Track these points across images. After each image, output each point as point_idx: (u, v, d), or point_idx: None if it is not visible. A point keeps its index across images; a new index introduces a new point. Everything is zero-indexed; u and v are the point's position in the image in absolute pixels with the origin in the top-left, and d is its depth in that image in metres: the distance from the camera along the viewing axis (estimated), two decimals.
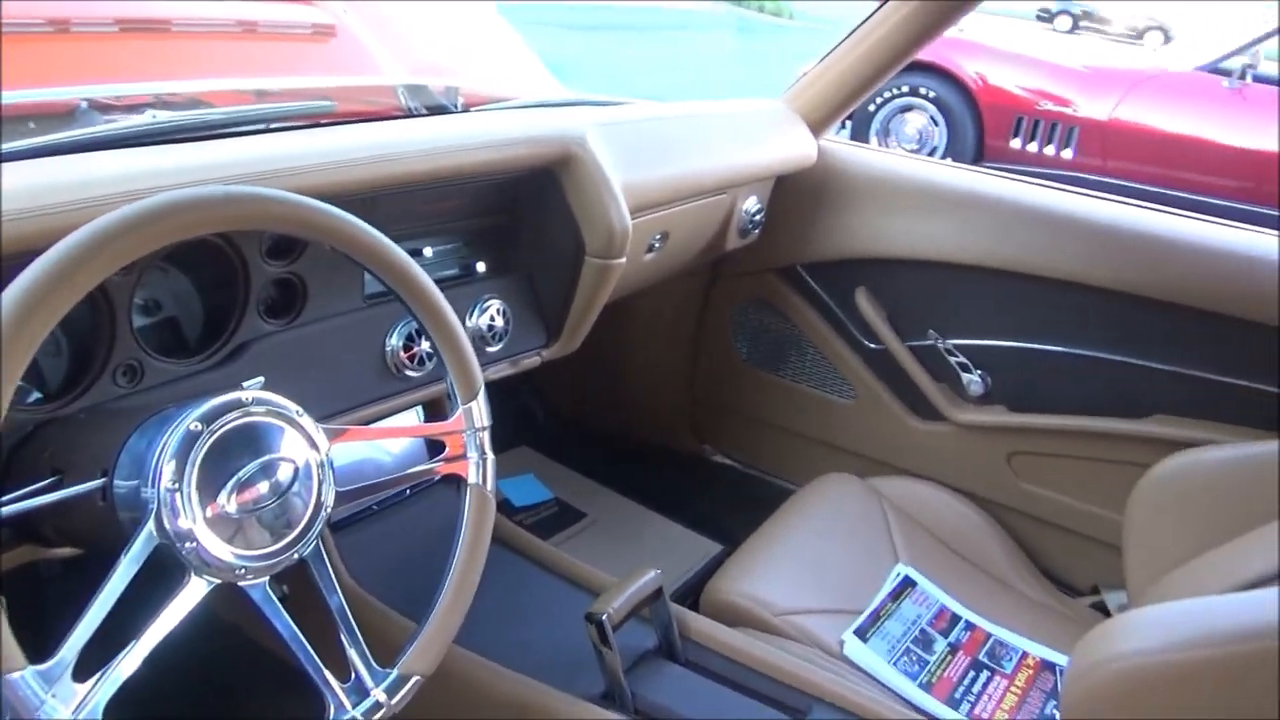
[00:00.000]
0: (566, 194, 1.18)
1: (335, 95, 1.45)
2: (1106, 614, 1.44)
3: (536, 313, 1.26)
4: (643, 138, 1.35)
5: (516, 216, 1.22)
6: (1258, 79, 4.90)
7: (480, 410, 0.85)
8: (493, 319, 1.16)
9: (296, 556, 0.71)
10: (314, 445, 0.73)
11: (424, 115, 1.30)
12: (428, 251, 1.15)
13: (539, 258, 1.24)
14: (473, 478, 0.84)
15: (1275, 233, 1.39)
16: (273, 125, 1.07)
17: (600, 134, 1.22)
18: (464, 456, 0.84)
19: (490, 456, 0.85)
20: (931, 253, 1.56)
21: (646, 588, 1.08)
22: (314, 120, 1.17)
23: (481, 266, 1.21)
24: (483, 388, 0.85)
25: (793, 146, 1.60)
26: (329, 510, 0.74)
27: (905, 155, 2.14)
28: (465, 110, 1.34)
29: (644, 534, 1.70)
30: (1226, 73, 4.93)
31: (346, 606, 0.76)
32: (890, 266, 1.61)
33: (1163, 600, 0.96)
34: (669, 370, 1.89)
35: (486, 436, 0.85)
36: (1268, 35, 4.93)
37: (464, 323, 1.08)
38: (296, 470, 0.71)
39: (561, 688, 1.04)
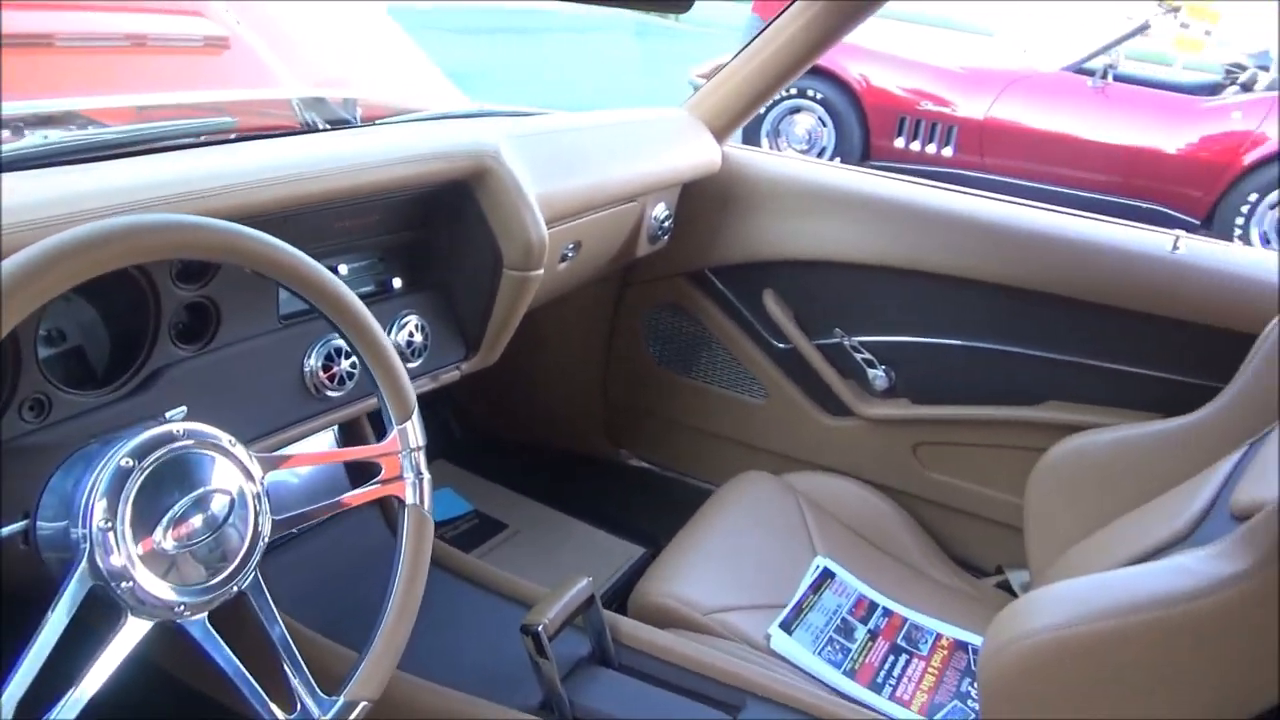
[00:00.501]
0: (483, 207, 1.18)
1: (232, 110, 1.41)
2: (1012, 593, 1.52)
3: (455, 327, 1.25)
4: (555, 149, 1.36)
5: (431, 231, 1.21)
6: (1118, 78, 5.23)
7: (415, 430, 0.84)
8: (411, 335, 1.15)
9: (236, 589, 0.70)
10: (249, 475, 0.72)
11: (325, 130, 1.28)
12: (343, 269, 1.13)
13: (456, 272, 1.23)
14: (410, 498, 0.83)
15: (1154, 228, 1.50)
16: (174, 143, 1.04)
17: (513, 146, 1.22)
18: (400, 478, 0.83)
19: (426, 476, 0.85)
20: (832, 254, 1.62)
21: (579, 596, 1.09)
22: (215, 137, 1.13)
23: (398, 282, 1.19)
24: (416, 407, 0.85)
25: (698, 153, 1.63)
26: (266, 540, 0.73)
27: (805, 160, 2.21)
28: (367, 123, 1.32)
29: (566, 541, 1.70)
30: (1090, 73, 5.24)
31: (289, 636, 0.75)
32: (795, 268, 1.66)
33: (1062, 577, 1.03)
34: (583, 377, 1.90)
35: (421, 456, 0.85)
36: (1127, 36, 5.26)
37: None
38: (232, 502, 0.69)
39: (500, 701, 1.04)
